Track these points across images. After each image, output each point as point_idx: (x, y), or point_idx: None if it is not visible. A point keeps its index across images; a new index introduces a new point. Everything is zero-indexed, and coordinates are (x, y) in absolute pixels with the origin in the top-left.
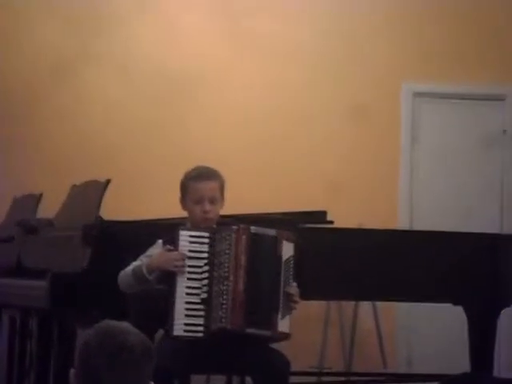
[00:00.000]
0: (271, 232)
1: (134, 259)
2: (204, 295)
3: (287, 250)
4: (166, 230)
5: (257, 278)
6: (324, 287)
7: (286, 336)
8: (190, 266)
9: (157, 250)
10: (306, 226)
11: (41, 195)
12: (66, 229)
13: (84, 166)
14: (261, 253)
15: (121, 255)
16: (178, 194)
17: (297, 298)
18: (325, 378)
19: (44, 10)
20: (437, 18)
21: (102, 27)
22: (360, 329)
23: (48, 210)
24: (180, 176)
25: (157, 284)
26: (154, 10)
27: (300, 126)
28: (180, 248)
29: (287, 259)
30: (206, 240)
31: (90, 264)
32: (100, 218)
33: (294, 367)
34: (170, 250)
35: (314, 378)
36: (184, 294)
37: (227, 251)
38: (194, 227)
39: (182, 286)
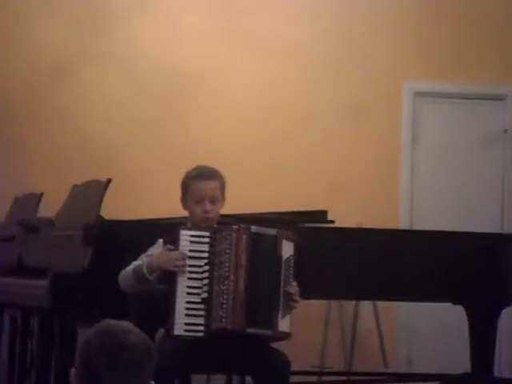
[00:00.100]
0: (271, 231)
1: (135, 259)
2: (204, 295)
3: (287, 249)
4: (167, 230)
5: (257, 277)
6: (324, 287)
7: (286, 335)
8: (190, 266)
9: (157, 249)
10: (306, 225)
11: (41, 194)
12: (66, 228)
13: (84, 166)
14: (261, 252)
15: (121, 255)
16: (178, 193)
17: (297, 298)
18: (325, 378)
19: (44, 9)
20: (437, 17)
21: (102, 27)
22: (360, 328)
23: (48, 209)
24: (180, 176)
25: (157, 283)
26: (154, 9)
27: (300, 125)
28: (180, 248)
29: (287, 258)
30: (207, 240)
31: (91, 263)
32: (101, 217)
33: (294, 366)
34: (170, 250)
35: (314, 378)
36: (184, 294)
37: (228, 251)
38: (195, 227)
39: (183, 286)
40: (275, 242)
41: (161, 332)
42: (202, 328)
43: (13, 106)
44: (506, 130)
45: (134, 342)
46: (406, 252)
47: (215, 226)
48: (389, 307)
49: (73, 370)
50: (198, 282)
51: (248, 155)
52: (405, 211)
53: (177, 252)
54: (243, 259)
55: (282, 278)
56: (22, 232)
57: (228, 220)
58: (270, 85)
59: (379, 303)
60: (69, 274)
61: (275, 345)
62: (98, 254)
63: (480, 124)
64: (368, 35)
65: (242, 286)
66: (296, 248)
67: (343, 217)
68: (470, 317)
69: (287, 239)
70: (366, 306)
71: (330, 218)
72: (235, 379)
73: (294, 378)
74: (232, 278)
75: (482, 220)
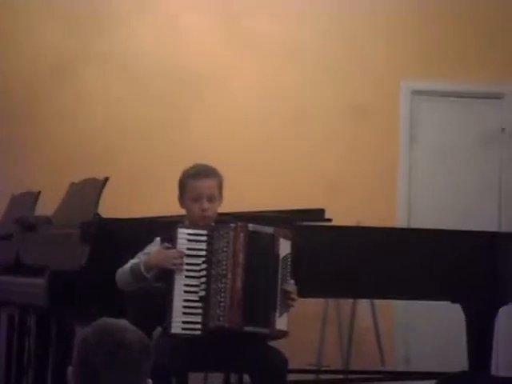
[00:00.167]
0: (269, 230)
1: (132, 257)
2: (202, 293)
3: (285, 247)
4: (164, 228)
5: (254, 275)
6: (322, 285)
7: (283, 334)
8: (188, 264)
9: (155, 247)
10: (303, 223)
11: (39, 193)
12: (64, 226)
13: (84, 166)
14: (258, 250)
15: (119, 253)
16: (177, 192)
17: (294, 296)
18: (323, 376)
19: (44, 9)
20: (436, 17)
21: (102, 27)
22: (358, 327)
23: (46, 208)
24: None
25: (155, 282)
26: (154, 9)
27: (300, 125)
28: (178, 246)
29: (285, 257)
30: (204, 238)
31: (88, 262)
32: (98, 215)
33: (291, 365)
34: (168, 248)
35: (311, 376)
36: (182, 292)
37: (225, 249)
38: (192, 225)
39: (180, 284)
40: (273, 241)
41: (158, 330)
42: (199, 326)
43: (13, 106)
44: (503, 129)
45: (132, 340)
46: (403, 250)
47: (213, 224)
48: (386, 306)
49: (70, 369)
50: (195, 280)
51: (248, 155)
52: (403, 210)
53: (174, 250)
54: (241, 257)
55: (280, 276)
56: (19, 230)
57: (225, 218)
58: (270, 85)
59: (377, 301)
60: (66, 272)
61: (273, 343)
62: (96, 252)
63: (478, 123)
64: (368, 35)
65: (239, 284)
66: (293, 246)
67: (341, 215)
68: (467, 315)
69: (285, 237)
70: (363, 304)
71: (328, 216)
72: (233, 377)
73: (291, 377)
74: (229, 276)
75: (480, 218)
